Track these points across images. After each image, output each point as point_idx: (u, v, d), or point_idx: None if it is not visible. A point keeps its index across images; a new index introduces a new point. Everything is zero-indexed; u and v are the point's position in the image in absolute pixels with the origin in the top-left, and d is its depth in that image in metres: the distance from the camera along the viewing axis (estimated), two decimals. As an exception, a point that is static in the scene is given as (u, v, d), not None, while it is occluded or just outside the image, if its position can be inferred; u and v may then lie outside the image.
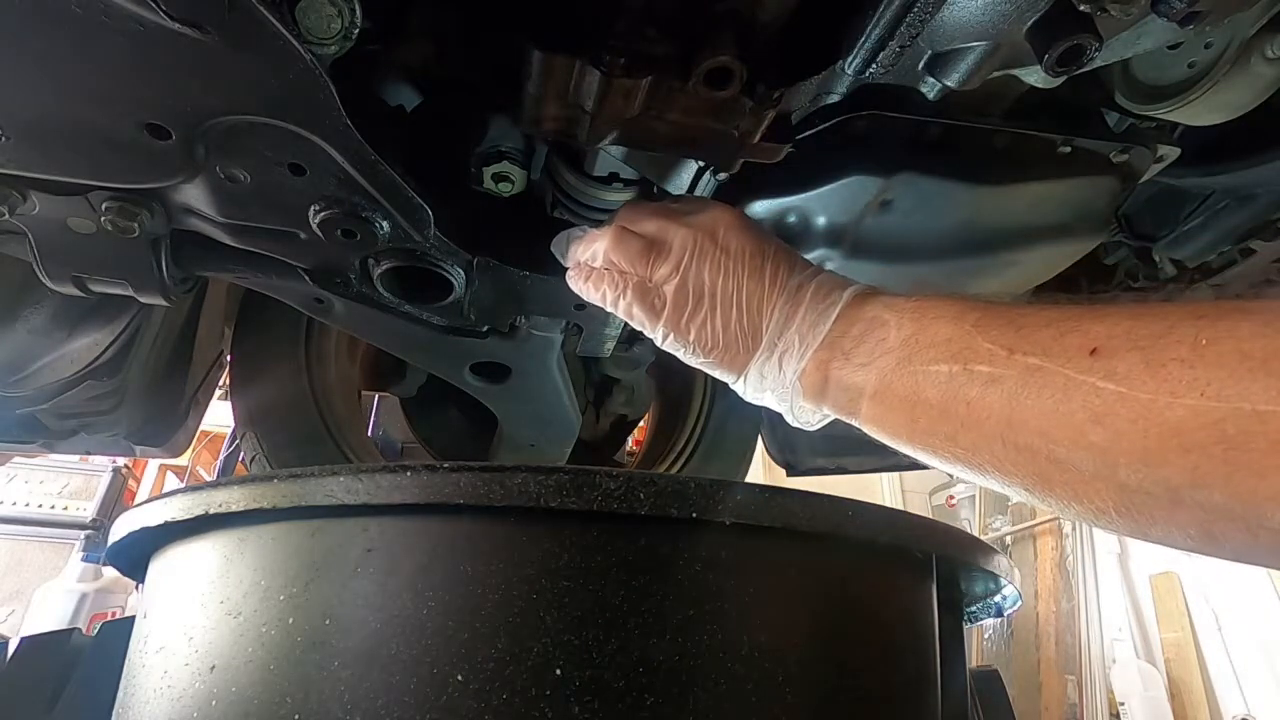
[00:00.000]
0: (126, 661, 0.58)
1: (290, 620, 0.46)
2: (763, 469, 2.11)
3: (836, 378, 0.53)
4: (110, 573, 3.29)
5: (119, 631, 0.67)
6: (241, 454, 1.36)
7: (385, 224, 0.69)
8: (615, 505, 0.45)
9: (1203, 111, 0.74)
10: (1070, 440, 0.37)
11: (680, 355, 0.63)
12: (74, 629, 0.74)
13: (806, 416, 0.58)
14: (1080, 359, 0.38)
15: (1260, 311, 0.33)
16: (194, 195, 0.66)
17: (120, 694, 0.56)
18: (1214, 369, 0.32)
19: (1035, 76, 0.66)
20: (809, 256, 0.80)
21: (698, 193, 0.77)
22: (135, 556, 0.63)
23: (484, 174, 0.78)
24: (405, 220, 0.69)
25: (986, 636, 4.35)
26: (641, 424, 1.88)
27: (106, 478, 3.77)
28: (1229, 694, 3.31)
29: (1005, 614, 0.72)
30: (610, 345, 1.00)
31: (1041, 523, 4.29)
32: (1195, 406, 0.32)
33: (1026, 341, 0.41)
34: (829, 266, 0.82)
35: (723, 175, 0.74)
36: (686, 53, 0.58)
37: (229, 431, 3.22)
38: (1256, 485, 0.30)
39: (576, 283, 0.70)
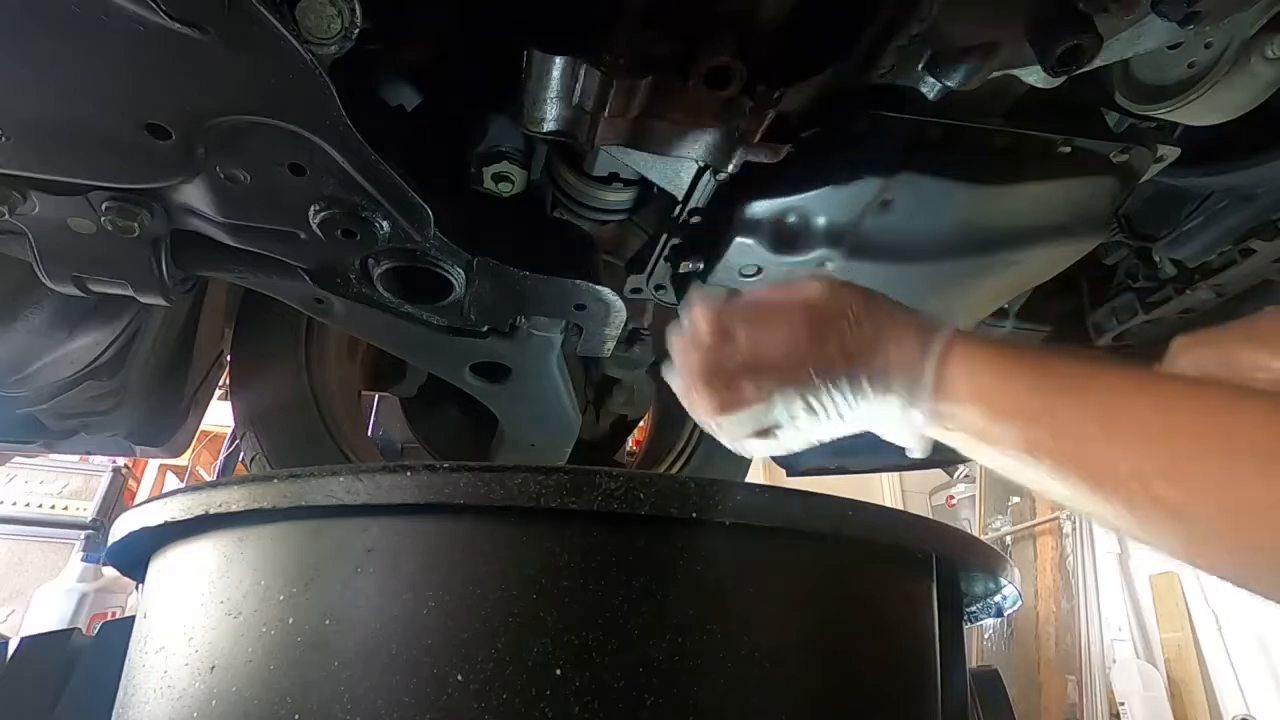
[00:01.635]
0: (126, 661, 0.58)
1: (290, 620, 0.46)
2: (763, 469, 2.10)
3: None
4: (110, 573, 3.28)
5: (119, 631, 0.67)
6: (241, 454, 1.36)
7: (385, 224, 0.69)
8: (615, 505, 0.45)
9: (1203, 111, 0.74)
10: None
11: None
12: (74, 629, 0.74)
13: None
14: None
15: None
16: (194, 195, 0.66)
17: (120, 694, 0.56)
18: None
19: (1035, 76, 0.66)
20: (809, 256, 0.80)
21: (697, 192, 0.77)
22: (135, 556, 0.63)
23: (484, 174, 0.78)
24: (405, 220, 0.69)
25: (986, 636, 4.34)
26: (641, 424, 1.88)
27: (106, 478, 3.77)
28: (1229, 694, 3.31)
29: (1005, 614, 0.72)
30: (610, 345, 0.99)
31: (1041, 522, 4.28)
32: None
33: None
34: (829, 267, 0.82)
35: (722, 175, 0.74)
36: (687, 53, 0.59)
37: (229, 431, 3.22)
38: None
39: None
